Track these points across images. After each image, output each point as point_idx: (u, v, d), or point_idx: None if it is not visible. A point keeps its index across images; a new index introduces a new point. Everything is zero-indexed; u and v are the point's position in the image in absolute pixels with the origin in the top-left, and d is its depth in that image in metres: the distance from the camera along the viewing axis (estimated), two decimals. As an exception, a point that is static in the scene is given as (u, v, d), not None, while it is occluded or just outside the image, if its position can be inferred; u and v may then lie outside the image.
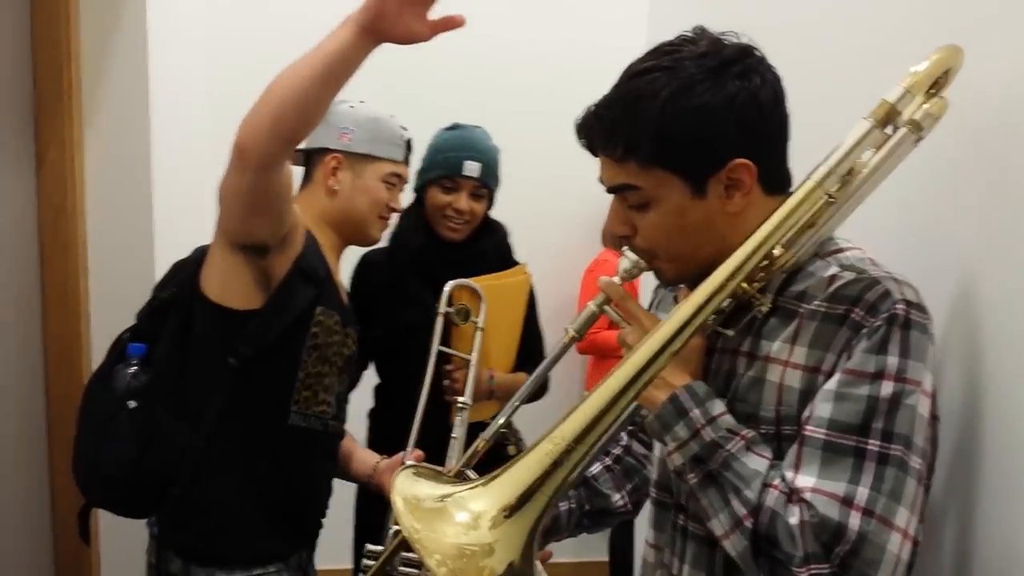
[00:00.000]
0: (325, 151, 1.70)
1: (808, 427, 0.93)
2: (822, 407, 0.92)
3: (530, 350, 2.25)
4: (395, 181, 1.76)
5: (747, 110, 0.97)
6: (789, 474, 0.92)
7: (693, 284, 0.97)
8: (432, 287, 2.03)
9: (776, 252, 0.98)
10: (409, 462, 1.67)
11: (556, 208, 3.44)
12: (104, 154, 2.30)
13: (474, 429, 1.59)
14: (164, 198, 2.40)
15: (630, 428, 1.35)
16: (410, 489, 0.92)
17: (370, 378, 2.25)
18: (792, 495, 0.91)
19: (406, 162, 1.80)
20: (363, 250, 2.09)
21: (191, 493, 1.50)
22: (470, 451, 1.24)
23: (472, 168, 2.13)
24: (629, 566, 2.81)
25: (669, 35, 1.04)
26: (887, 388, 0.90)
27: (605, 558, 3.29)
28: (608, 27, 3.25)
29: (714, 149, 0.98)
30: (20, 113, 2.17)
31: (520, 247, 2.33)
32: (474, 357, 2.01)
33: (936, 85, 0.99)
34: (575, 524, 1.31)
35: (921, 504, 0.91)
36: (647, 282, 1.53)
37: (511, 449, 1.97)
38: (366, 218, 1.72)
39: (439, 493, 0.91)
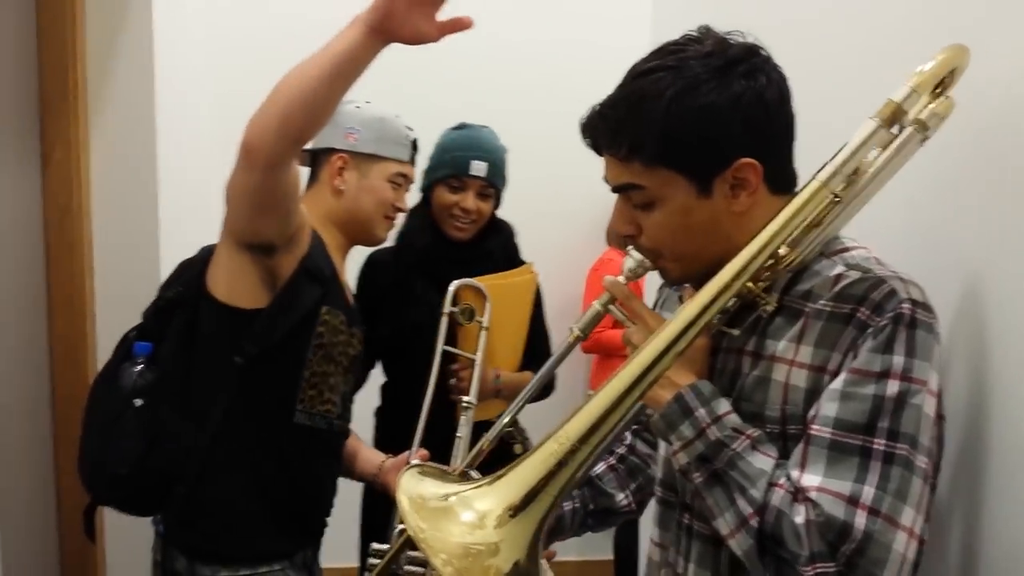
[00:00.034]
0: (331, 151, 1.70)
1: (814, 426, 0.93)
2: (828, 406, 0.92)
3: (537, 349, 2.25)
4: (401, 181, 1.76)
5: (753, 109, 0.97)
6: (795, 473, 0.92)
7: (698, 283, 0.98)
8: (438, 287, 2.03)
9: (782, 251, 0.98)
10: (414, 461, 1.68)
11: (561, 207, 3.44)
12: (110, 154, 2.30)
13: (480, 428, 1.59)
14: (170, 198, 2.41)
15: (634, 427, 1.35)
16: (415, 488, 0.92)
17: (377, 377, 2.25)
18: (798, 494, 0.91)
19: (412, 162, 1.80)
20: (369, 250, 2.09)
21: (196, 491, 1.50)
22: (475, 450, 1.24)
23: (479, 168, 2.13)
24: (634, 565, 2.81)
25: (673, 35, 1.03)
26: (893, 387, 0.90)
27: (610, 557, 3.29)
28: (612, 27, 3.25)
29: (719, 149, 0.98)
30: (26, 113, 2.17)
31: (524, 246, 2.33)
32: (479, 357, 2.01)
33: (942, 85, 0.99)
34: (579, 523, 1.31)
35: (927, 503, 0.91)
36: (652, 281, 1.53)
37: (517, 448, 1.96)
38: (372, 218, 1.72)
39: (444, 492, 0.91)
